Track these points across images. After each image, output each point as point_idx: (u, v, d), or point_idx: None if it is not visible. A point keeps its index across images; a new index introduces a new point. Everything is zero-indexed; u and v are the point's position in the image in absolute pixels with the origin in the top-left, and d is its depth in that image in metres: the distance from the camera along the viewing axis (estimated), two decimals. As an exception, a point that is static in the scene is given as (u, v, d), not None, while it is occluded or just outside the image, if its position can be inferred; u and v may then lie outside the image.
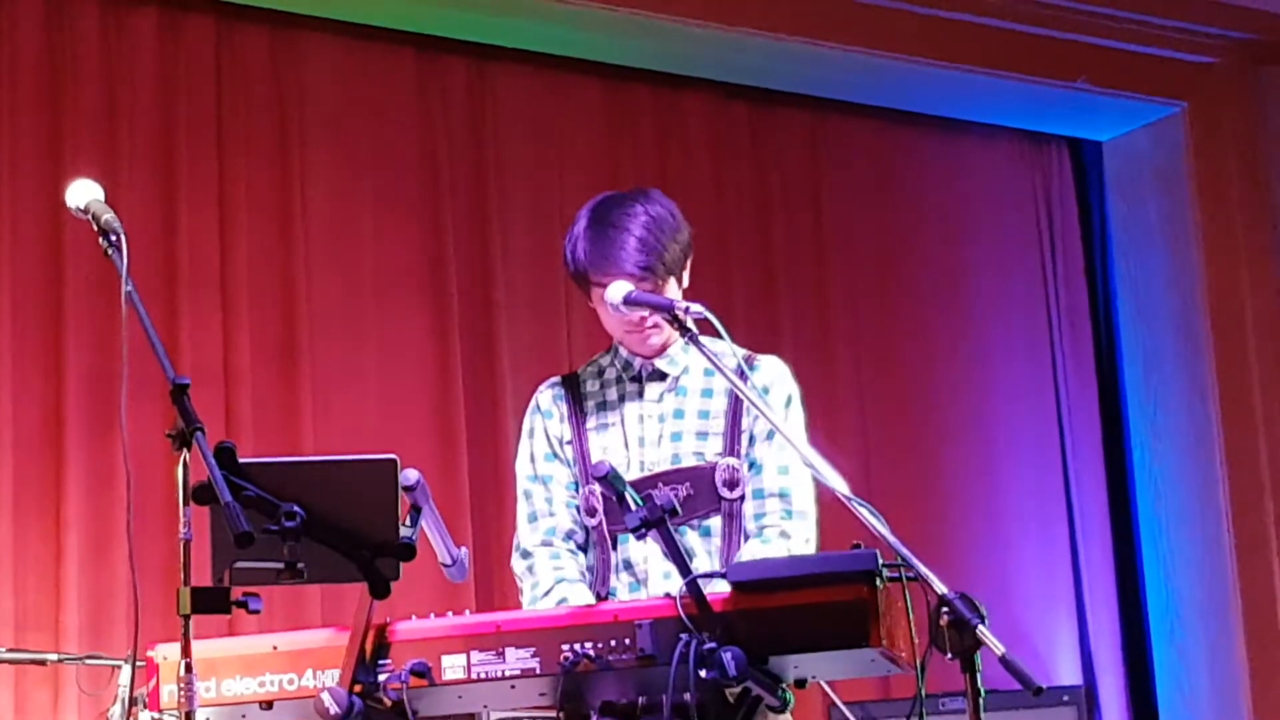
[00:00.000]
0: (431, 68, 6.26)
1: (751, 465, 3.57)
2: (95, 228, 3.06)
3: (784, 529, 3.52)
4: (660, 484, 3.48)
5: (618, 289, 3.48)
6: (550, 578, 3.53)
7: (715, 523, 3.54)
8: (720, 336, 3.40)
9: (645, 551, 3.50)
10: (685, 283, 3.64)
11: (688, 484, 3.52)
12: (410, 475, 3.03)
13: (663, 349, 3.63)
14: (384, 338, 5.99)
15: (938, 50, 6.70)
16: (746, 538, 3.54)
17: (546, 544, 3.59)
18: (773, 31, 6.42)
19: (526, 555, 3.60)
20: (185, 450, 2.82)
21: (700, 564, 3.43)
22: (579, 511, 3.62)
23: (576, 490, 3.62)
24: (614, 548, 3.55)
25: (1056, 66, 6.93)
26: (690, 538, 3.51)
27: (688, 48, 6.46)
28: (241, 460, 2.85)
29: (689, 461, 3.55)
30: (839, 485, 3.17)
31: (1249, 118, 7.31)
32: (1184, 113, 7.23)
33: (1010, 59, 6.84)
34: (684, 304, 3.43)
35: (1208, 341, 7.09)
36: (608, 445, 3.59)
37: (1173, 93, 7.21)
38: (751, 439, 3.57)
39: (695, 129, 6.73)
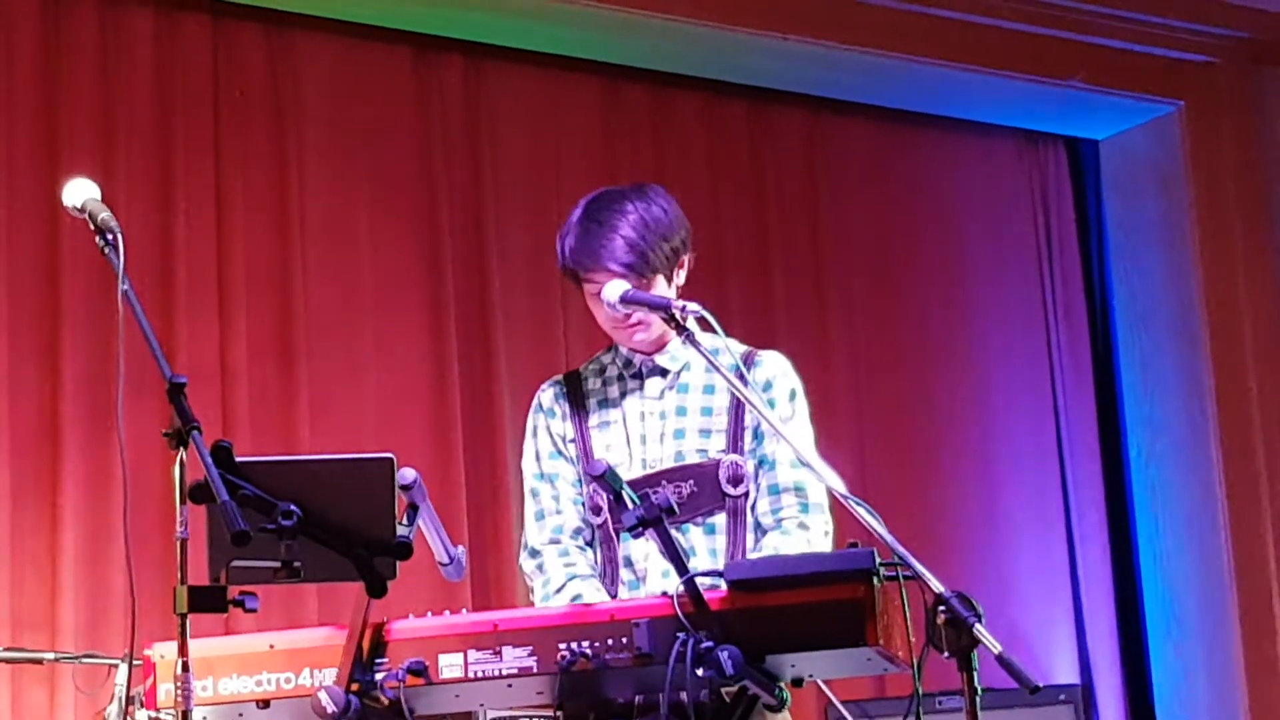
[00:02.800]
0: (428, 67, 6.25)
1: (762, 462, 3.56)
2: (92, 226, 3.05)
3: (802, 520, 3.51)
4: (664, 482, 3.48)
5: (614, 287, 3.47)
6: (562, 574, 3.52)
7: (720, 520, 3.52)
8: (717, 334, 3.39)
9: (646, 550, 3.49)
10: (680, 280, 3.63)
11: (691, 481, 3.51)
12: (407, 474, 3.03)
13: (659, 345, 3.61)
14: (381, 336, 5.98)
15: (934, 49, 6.70)
16: (759, 533, 3.54)
17: (555, 542, 3.58)
18: (769, 31, 6.42)
19: (535, 554, 3.59)
20: (182, 449, 2.81)
21: (701, 562, 3.42)
22: (585, 509, 3.61)
23: (582, 488, 3.61)
24: (618, 546, 3.55)
25: (1053, 65, 6.92)
26: (694, 535, 3.50)
27: (684, 47, 6.45)
28: (238, 459, 2.85)
29: (692, 459, 3.53)
30: (836, 484, 3.18)
31: (1246, 117, 7.31)
32: (1181, 111, 7.22)
33: (1007, 58, 6.84)
34: (680, 303, 3.41)
35: (1204, 341, 7.09)
36: (610, 443, 3.58)
37: (1170, 91, 7.20)
38: (757, 435, 3.56)
39: (692, 128, 6.72)
